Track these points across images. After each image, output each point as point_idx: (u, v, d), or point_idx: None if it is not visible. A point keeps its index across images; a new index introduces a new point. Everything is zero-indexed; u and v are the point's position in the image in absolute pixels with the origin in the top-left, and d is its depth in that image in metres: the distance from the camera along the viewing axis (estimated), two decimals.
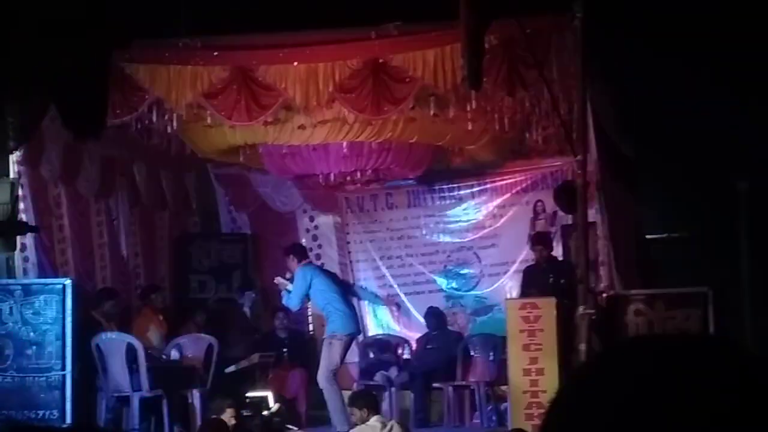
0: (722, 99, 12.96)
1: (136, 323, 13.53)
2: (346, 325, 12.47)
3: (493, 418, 13.59)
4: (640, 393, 1.30)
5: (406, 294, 15.92)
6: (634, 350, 1.39)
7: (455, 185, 15.73)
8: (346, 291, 13.08)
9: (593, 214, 11.81)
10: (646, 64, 12.58)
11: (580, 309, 10.84)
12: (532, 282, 12.95)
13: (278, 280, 13.09)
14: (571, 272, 12.50)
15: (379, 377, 14.14)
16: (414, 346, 14.84)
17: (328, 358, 12.36)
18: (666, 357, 1.34)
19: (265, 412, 13.07)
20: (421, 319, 15.06)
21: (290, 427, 13.29)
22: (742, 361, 1.34)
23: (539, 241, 13.63)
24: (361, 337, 14.40)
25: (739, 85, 12.88)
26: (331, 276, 13.04)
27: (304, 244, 16.15)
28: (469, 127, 12.61)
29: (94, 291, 13.41)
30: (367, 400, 10.85)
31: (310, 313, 16.35)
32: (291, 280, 12.87)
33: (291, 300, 12.78)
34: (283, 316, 14.92)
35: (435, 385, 14.07)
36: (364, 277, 16.04)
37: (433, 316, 14.69)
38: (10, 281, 11.97)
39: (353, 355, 14.19)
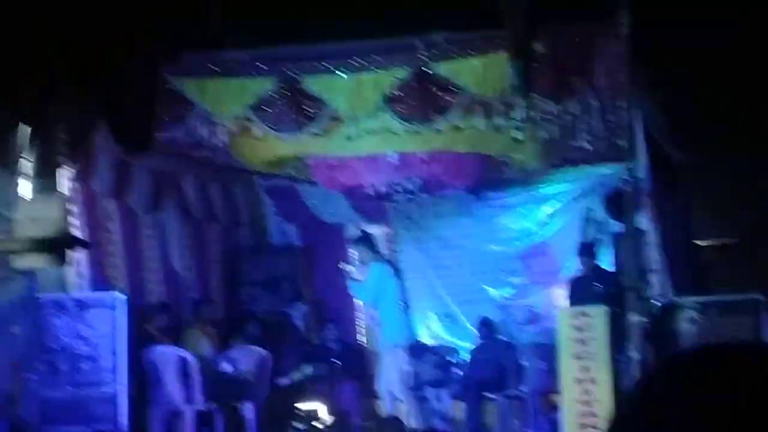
0: None
1: (188, 337, 13.59)
2: (406, 333, 12.45)
3: (547, 427, 13.54)
4: (703, 408, 1.29)
5: (456, 304, 15.90)
6: (693, 364, 1.37)
7: (504, 194, 15.70)
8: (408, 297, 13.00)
9: (644, 222, 11.75)
10: (694, 70, 12.49)
11: (633, 317, 10.79)
12: (579, 292, 12.92)
13: (344, 265, 13.12)
14: (618, 281, 12.45)
15: (430, 394, 14.10)
16: (466, 356, 14.81)
17: (397, 368, 12.30)
18: (727, 373, 1.32)
19: (318, 425, 13.09)
20: (473, 329, 15.02)
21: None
22: None
23: (584, 252, 13.62)
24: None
25: None
26: (401, 279, 12.92)
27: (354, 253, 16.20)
28: (517, 136, 12.57)
29: (147, 305, 13.49)
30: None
31: (361, 324, 16.36)
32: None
33: (365, 295, 12.73)
34: (334, 328, 14.94)
35: (487, 395, 14.03)
36: (414, 287, 16.04)
37: (485, 325, 14.66)
38: (64, 296, 12.06)
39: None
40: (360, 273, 12.80)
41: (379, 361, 13.40)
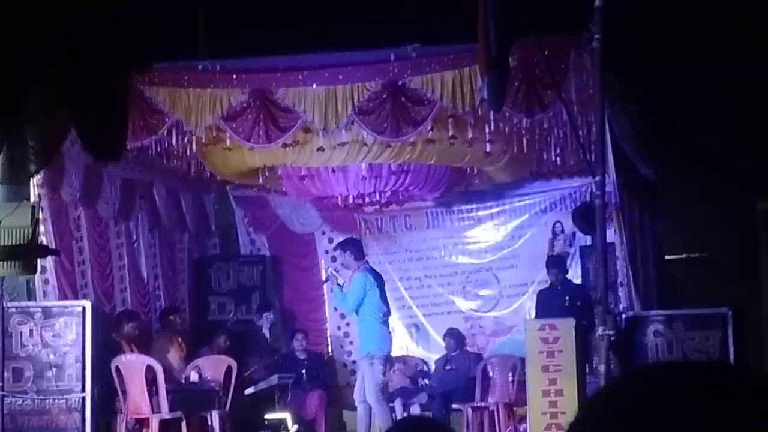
0: (742, 120, 12.95)
1: (155, 345, 13.54)
2: (382, 345, 12.37)
3: None
4: (655, 422, 1.30)
5: (424, 315, 15.92)
6: (650, 379, 1.39)
7: (474, 206, 15.74)
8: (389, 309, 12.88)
9: (612, 235, 11.80)
10: (665, 85, 12.58)
11: (599, 330, 10.82)
12: (548, 305, 12.95)
13: (331, 272, 13.05)
14: (586, 294, 12.50)
15: (397, 404, 14.10)
16: (433, 367, 14.83)
17: (372, 378, 12.21)
18: (679, 386, 1.34)
19: None
20: (440, 340, 15.04)
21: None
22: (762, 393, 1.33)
23: (554, 264, 13.66)
24: None
25: (760, 105, 12.85)
26: (383, 290, 12.81)
27: (322, 265, 16.16)
28: (488, 149, 12.61)
29: (114, 313, 13.44)
30: None
31: (328, 335, 16.36)
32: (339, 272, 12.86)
33: (346, 304, 12.58)
34: (302, 338, 14.93)
35: (454, 406, 14.05)
36: None
37: (452, 337, 14.69)
38: (30, 304, 11.97)
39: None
40: (342, 279, 12.69)
41: (356, 370, 13.25)
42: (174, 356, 13.43)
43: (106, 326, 12.59)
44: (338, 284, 12.64)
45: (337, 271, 12.95)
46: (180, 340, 13.88)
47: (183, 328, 14.48)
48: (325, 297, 16.24)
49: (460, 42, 10.97)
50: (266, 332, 15.00)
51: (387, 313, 12.61)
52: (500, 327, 15.50)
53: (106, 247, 13.76)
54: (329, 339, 16.36)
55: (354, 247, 12.87)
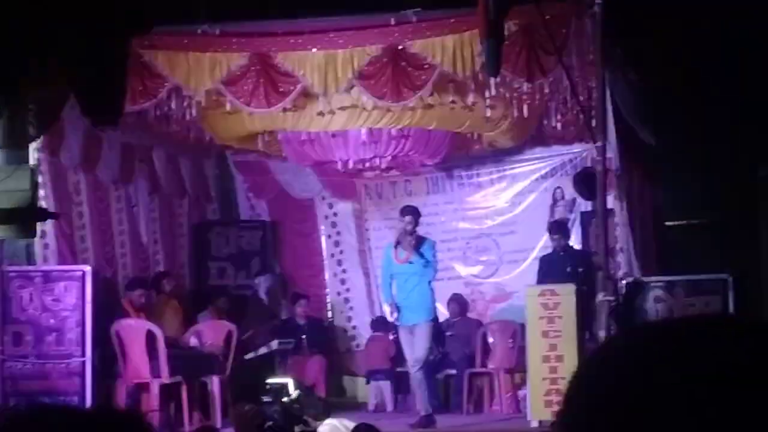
0: (744, 85, 12.91)
1: (155, 309, 13.55)
2: (434, 309, 12.36)
3: (512, 404, 13.59)
4: (655, 376, 1.29)
5: None
6: (651, 332, 1.38)
7: (474, 172, 15.71)
8: None
9: (612, 201, 11.80)
10: (666, 50, 12.53)
11: (600, 296, 10.84)
12: (550, 271, 12.93)
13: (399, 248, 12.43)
14: (588, 260, 12.49)
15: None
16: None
17: (430, 341, 12.07)
18: (681, 338, 1.33)
19: (284, 399, 13.08)
20: (440, 306, 15.05)
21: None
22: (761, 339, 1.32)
23: (557, 230, 13.62)
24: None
25: (762, 71, 12.81)
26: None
27: (323, 230, 16.18)
28: (488, 114, 12.58)
29: (115, 278, 13.45)
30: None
31: (328, 300, 16.36)
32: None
33: (432, 271, 12.17)
34: (305, 303, 14.91)
35: (454, 371, 14.08)
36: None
37: (457, 302, 14.69)
38: (30, 268, 12.00)
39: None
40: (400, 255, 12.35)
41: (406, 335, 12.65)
42: (170, 320, 13.45)
43: (108, 290, 12.62)
44: (423, 257, 12.17)
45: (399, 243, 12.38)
46: (176, 303, 13.89)
47: (177, 291, 14.42)
48: (325, 262, 16.27)
49: (461, 6, 10.93)
50: (263, 296, 14.99)
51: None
52: (500, 293, 15.48)
53: (106, 211, 13.75)
54: (329, 305, 16.36)
55: (417, 215, 12.47)
